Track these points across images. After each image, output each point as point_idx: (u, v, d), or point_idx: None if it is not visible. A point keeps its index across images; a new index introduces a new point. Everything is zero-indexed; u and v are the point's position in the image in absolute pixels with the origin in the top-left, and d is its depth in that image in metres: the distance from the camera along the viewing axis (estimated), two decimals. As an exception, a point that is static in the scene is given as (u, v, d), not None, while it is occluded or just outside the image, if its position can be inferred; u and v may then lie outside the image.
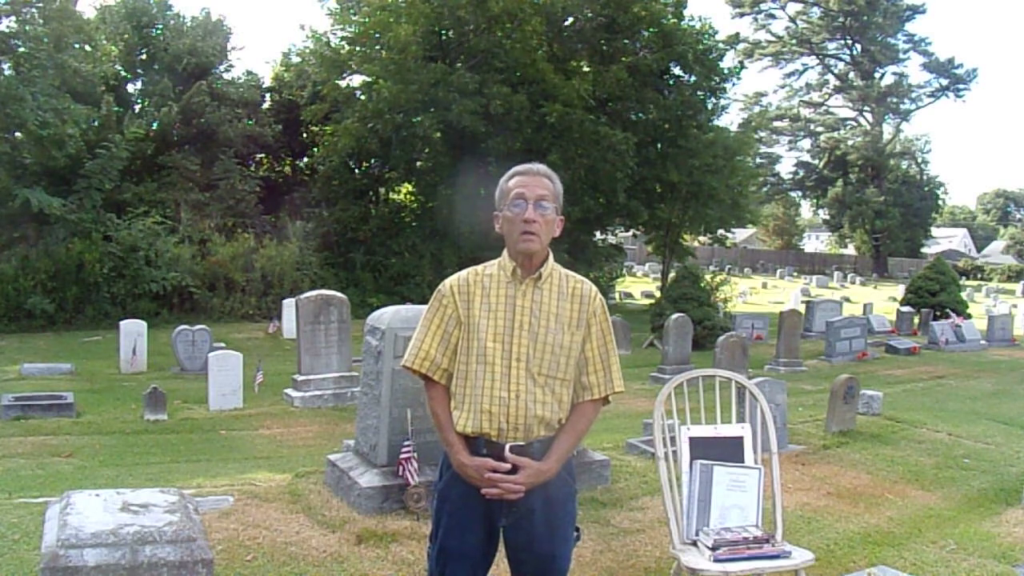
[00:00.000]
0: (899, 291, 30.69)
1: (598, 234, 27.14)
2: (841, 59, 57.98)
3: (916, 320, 20.63)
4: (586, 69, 23.27)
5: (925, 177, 57.51)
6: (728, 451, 3.14)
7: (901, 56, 55.49)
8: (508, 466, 2.29)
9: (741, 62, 32.36)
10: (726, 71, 25.94)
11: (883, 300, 31.83)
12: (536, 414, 2.32)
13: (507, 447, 2.31)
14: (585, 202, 21.97)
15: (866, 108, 57.07)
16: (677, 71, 24.94)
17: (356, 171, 24.38)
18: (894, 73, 56.70)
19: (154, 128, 21.35)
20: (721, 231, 28.37)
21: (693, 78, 24.65)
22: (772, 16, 56.69)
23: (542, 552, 2.41)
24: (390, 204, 24.77)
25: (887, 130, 57.58)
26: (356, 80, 23.69)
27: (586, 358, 2.42)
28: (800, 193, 62.91)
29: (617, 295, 29.10)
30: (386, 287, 21.24)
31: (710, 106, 25.77)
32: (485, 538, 2.40)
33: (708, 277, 21.46)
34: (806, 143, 60.24)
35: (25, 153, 18.23)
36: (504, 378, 2.32)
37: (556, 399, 2.37)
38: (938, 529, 4.81)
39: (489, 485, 2.29)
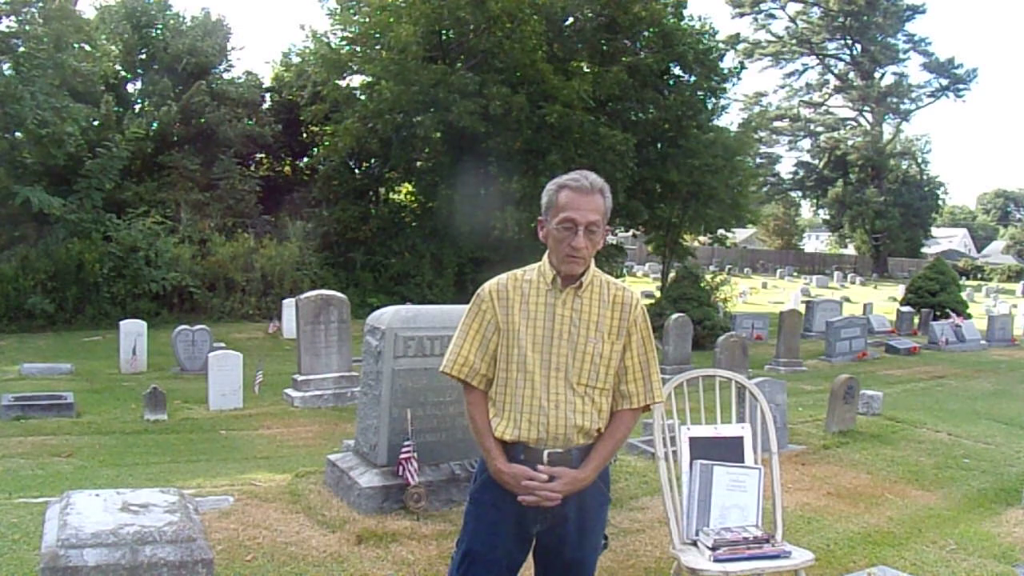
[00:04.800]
0: (899, 291, 30.69)
1: (598, 234, 27.10)
2: (841, 59, 58.03)
3: (916, 320, 20.63)
4: (586, 69, 23.25)
5: (925, 177, 57.50)
6: (728, 451, 3.14)
7: (901, 56, 55.59)
8: (545, 477, 2.28)
9: (741, 62, 32.27)
10: (726, 71, 25.91)
11: (883, 300, 31.84)
12: (575, 424, 2.31)
13: (545, 454, 2.30)
14: (585, 202, 21.92)
15: (866, 108, 57.09)
16: (677, 71, 24.91)
17: (356, 171, 24.37)
18: (894, 73, 56.85)
19: (154, 128, 21.34)
20: (721, 231, 28.32)
21: (693, 78, 24.63)
22: (772, 16, 56.81)
23: (571, 558, 2.41)
24: (390, 204, 24.76)
25: (887, 130, 57.62)
26: (356, 80, 23.69)
27: (626, 367, 2.40)
28: (800, 193, 62.94)
29: (617, 295, 29.02)
30: (386, 287, 21.23)
31: (710, 106, 25.74)
32: (515, 545, 2.38)
33: (708, 277, 21.48)
34: (806, 143, 60.37)
35: (25, 152, 18.23)
36: (544, 388, 2.30)
37: (595, 408, 2.35)
38: (938, 529, 4.81)
39: (526, 492, 2.28)
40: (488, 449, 2.35)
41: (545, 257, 2.40)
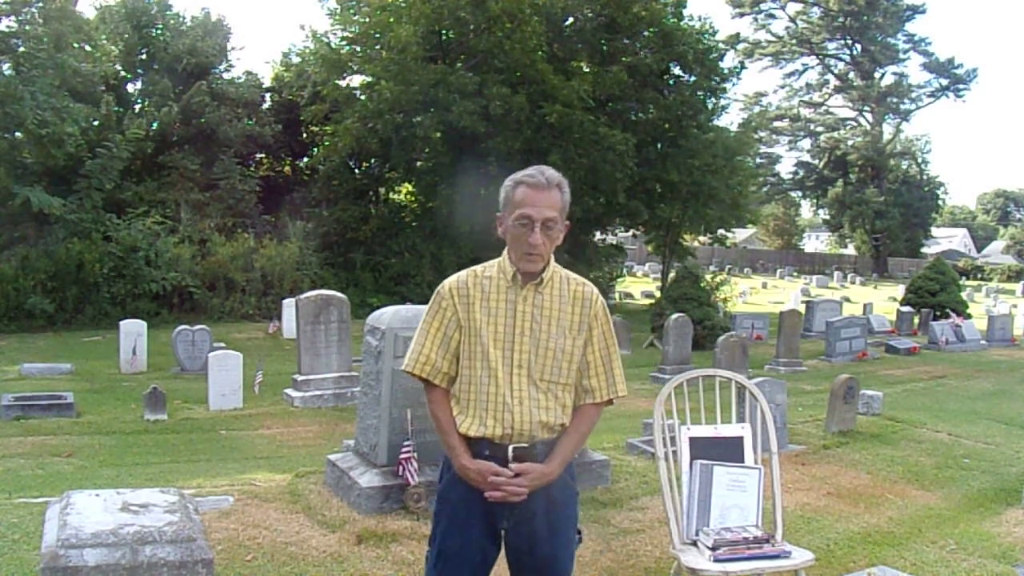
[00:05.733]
0: (899, 291, 30.68)
1: (598, 234, 27.15)
2: (841, 59, 58.05)
3: (916, 320, 20.62)
4: (586, 69, 23.25)
5: (925, 177, 57.51)
6: (728, 451, 3.14)
7: (901, 56, 55.59)
8: (511, 472, 2.28)
9: (741, 62, 32.32)
10: (726, 71, 25.94)
11: (883, 300, 31.84)
12: (540, 419, 2.32)
13: (510, 449, 2.30)
14: (585, 202, 21.96)
15: (866, 108, 57.10)
16: (677, 71, 24.93)
17: (356, 171, 24.37)
18: (894, 73, 56.85)
19: (154, 128, 21.32)
20: (721, 231, 28.36)
21: (693, 78, 24.64)
22: (772, 16, 56.81)
23: (544, 555, 2.39)
24: (390, 204, 24.77)
25: (887, 130, 57.62)
26: (356, 80, 23.70)
27: (588, 362, 2.40)
28: (800, 193, 62.96)
29: (617, 295, 29.09)
30: (386, 287, 21.24)
31: (710, 106, 25.77)
32: (486, 541, 2.38)
33: (708, 277, 21.47)
34: (806, 143, 60.37)
35: (25, 152, 18.23)
36: (507, 384, 2.31)
37: (559, 403, 2.36)
38: (938, 529, 4.81)
39: (492, 488, 2.28)
40: (453, 446, 2.35)
41: (505, 253, 2.39)
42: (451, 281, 2.42)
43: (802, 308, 20.24)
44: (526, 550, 2.38)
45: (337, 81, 22.63)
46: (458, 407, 2.37)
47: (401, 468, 4.40)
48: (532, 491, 2.30)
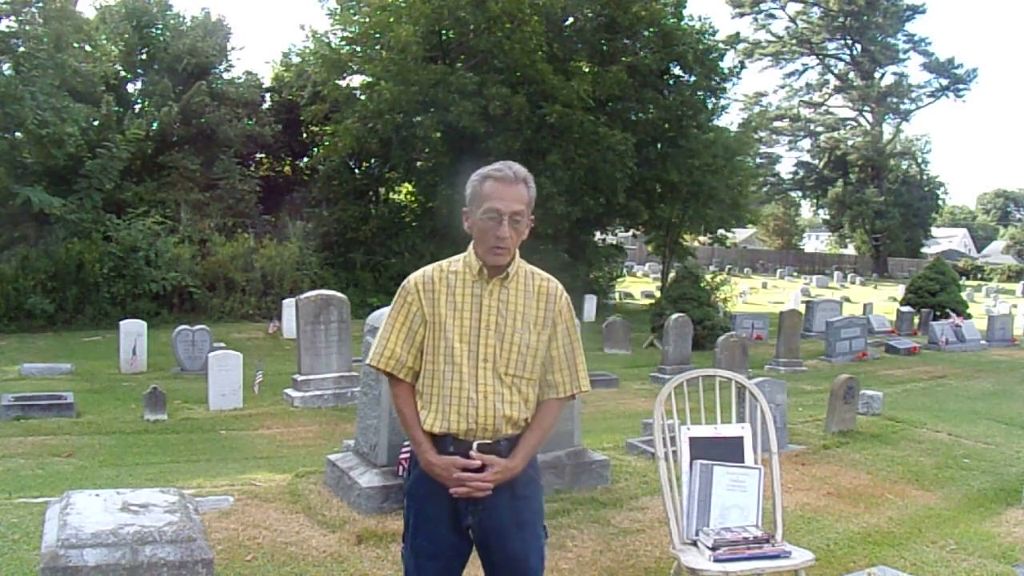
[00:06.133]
0: (899, 291, 30.68)
1: (598, 234, 27.15)
2: (841, 59, 58.05)
3: (916, 320, 20.62)
4: (586, 69, 23.26)
5: (925, 177, 57.52)
6: (728, 451, 3.14)
7: (901, 56, 55.58)
8: (477, 464, 2.29)
9: (741, 62, 32.32)
10: (726, 71, 25.95)
11: (883, 300, 31.84)
12: (504, 414, 2.33)
13: (475, 445, 2.32)
14: (585, 202, 21.98)
15: (866, 108, 57.09)
16: (677, 71, 24.94)
17: (356, 171, 24.38)
18: (894, 73, 56.83)
19: (154, 128, 21.33)
20: (721, 231, 28.37)
21: (693, 78, 24.65)
22: (772, 16, 56.80)
23: (513, 549, 2.39)
24: (390, 204, 24.77)
25: (887, 130, 57.62)
26: (356, 80, 23.71)
27: (552, 357, 2.42)
28: (800, 193, 62.96)
29: (617, 295, 29.09)
30: (386, 287, 21.20)
31: (710, 106, 25.79)
32: (455, 536, 2.38)
33: (708, 277, 21.46)
34: (806, 143, 60.37)
35: (25, 153, 18.22)
36: (472, 379, 2.31)
37: (523, 398, 2.37)
38: (938, 529, 4.81)
39: (457, 484, 2.29)
40: (419, 442, 2.35)
41: (470, 248, 2.40)
42: (416, 276, 2.43)
43: (802, 308, 20.24)
44: (495, 545, 2.39)
45: (337, 81, 22.64)
46: (422, 402, 2.38)
47: (401, 468, 4.40)
48: (496, 486, 2.31)
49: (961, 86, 54.70)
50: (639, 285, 35.33)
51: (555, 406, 2.44)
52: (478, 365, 2.32)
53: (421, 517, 2.40)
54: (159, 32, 22.70)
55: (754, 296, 33.44)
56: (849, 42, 56.30)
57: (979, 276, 54.74)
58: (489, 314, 2.34)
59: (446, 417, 2.32)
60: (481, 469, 2.29)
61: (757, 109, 56.60)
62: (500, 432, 2.33)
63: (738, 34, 37.37)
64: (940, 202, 61.29)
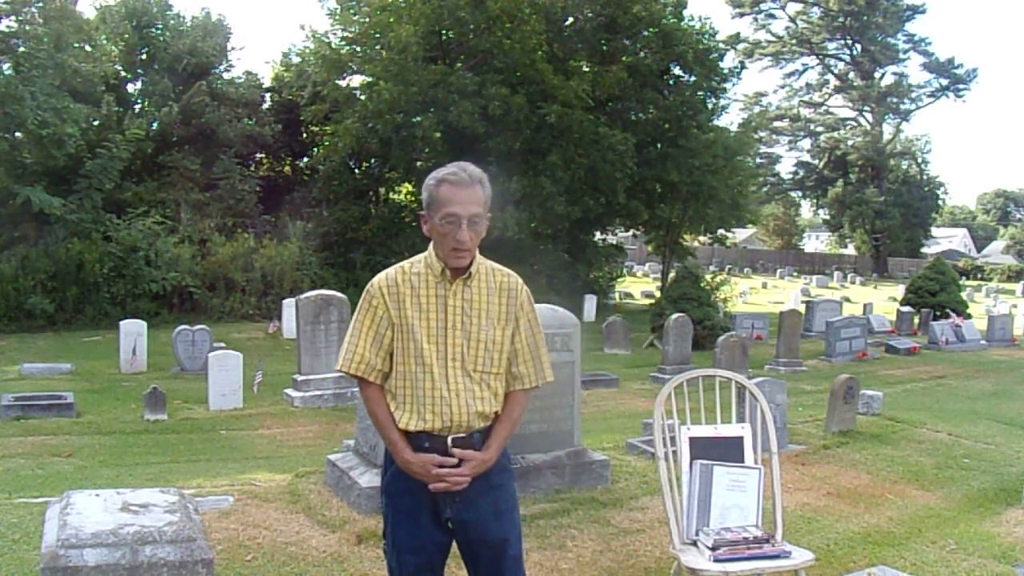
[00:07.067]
0: (899, 291, 30.68)
1: (598, 234, 27.15)
2: (841, 59, 58.03)
3: (916, 320, 20.62)
4: (586, 69, 23.26)
5: (925, 177, 57.49)
6: (728, 451, 3.14)
7: (901, 56, 55.56)
8: (455, 460, 2.34)
9: (741, 62, 32.38)
10: (726, 71, 25.96)
11: (883, 300, 31.84)
12: (476, 409, 2.38)
13: (449, 440, 2.36)
14: (585, 202, 21.96)
15: (866, 108, 57.08)
16: (677, 71, 24.95)
17: (356, 171, 24.38)
18: (894, 73, 56.81)
19: (154, 128, 21.34)
20: (721, 231, 28.38)
21: (693, 78, 24.66)
22: (772, 16, 56.77)
23: (494, 537, 2.44)
24: (390, 204, 24.77)
25: (887, 130, 57.60)
26: (356, 80, 23.71)
27: (516, 350, 2.47)
28: (800, 193, 62.94)
29: (617, 295, 29.09)
30: (386, 287, 21.23)
31: (710, 106, 25.79)
32: (435, 529, 2.42)
33: (708, 277, 21.46)
34: (806, 143, 60.33)
35: (25, 153, 18.22)
36: (443, 378, 2.36)
37: (492, 392, 2.43)
38: (938, 529, 4.81)
39: (436, 480, 2.33)
40: (394, 441, 2.41)
41: (430, 249, 2.44)
42: (380, 279, 2.46)
43: (802, 308, 20.23)
44: (476, 536, 2.43)
45: (337, 81, 22.65)
46: (395, 403, 2.42)
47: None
48: (472, 478, 2.36)
49: (961, 86, 54.72)
50: (639, 285, 35.33)
51: (522, 397, 2.51)
52: (447, 364, 2.37)
53: (400, 514, 2.45)
54: (159, 32, 22.71)
55: (754, 296, 33.44)
56: (849, 42, 56.28)
57: (979, 276, 54.73)
58: (455, 314, 2.38)
59: (421, 416, 2.37)
60: (458, 464, 2.34)
61: (757, 109, 56.61)
62: (473, 426, 2.39)
63: (738, 34, 37.49)
64: (940, 202, 61.25)
